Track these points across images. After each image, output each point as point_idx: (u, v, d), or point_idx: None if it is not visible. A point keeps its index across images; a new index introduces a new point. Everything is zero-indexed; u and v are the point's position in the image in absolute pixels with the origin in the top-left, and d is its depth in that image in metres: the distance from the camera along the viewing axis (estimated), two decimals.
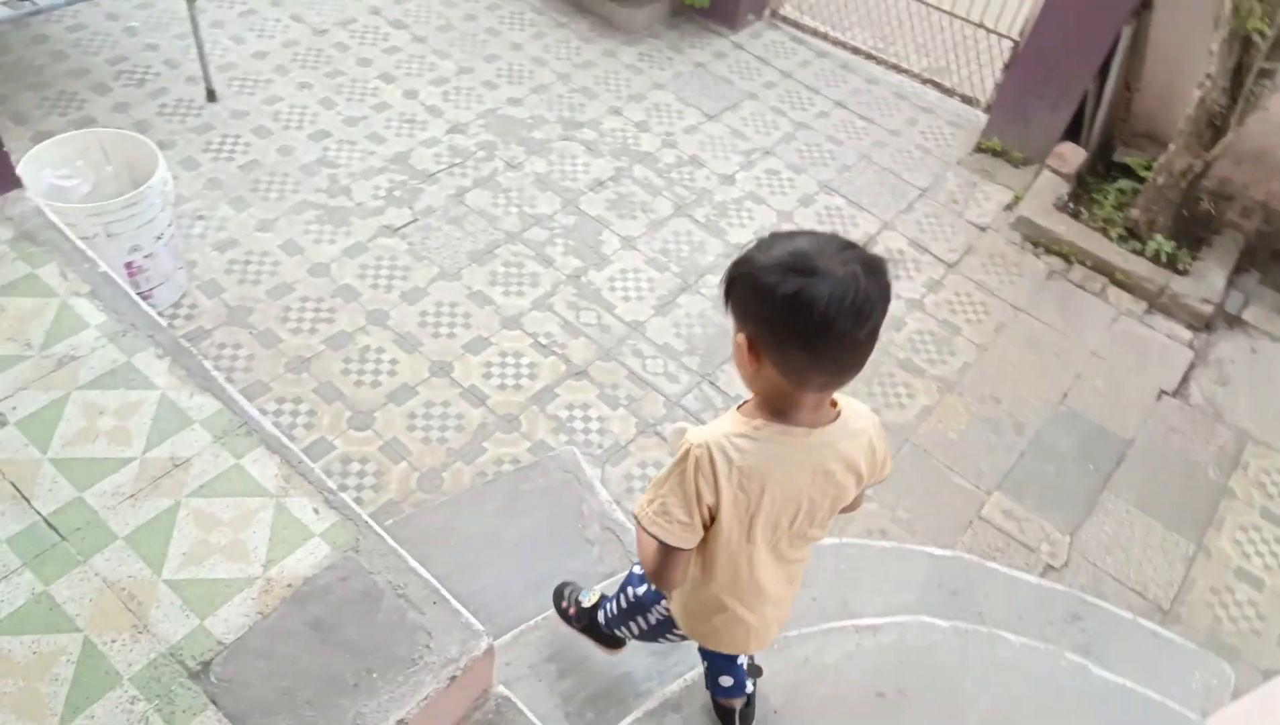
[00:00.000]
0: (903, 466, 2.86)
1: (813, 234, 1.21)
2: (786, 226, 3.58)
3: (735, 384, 2.94)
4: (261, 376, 2.81)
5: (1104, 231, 3.65)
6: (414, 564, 1.73)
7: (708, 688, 1.86)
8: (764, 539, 1.38)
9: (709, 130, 3.97)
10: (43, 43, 3.76)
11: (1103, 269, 3.57)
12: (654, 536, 1.32)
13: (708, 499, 1.29)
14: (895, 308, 3.30)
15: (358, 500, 2.52)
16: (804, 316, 1.15)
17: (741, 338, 1.24)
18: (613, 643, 1.98)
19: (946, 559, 2.49)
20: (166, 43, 3.85)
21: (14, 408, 1.81)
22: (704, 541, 1.36)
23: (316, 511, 1.75)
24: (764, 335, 1.21)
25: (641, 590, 1.74)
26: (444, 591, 1.70)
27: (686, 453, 1.28)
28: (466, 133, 3.73)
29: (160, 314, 2.92)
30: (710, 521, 1.33)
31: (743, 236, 3.51)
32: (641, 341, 3.09)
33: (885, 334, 3.13)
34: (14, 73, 3.62)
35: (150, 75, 3.71)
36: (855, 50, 4.48)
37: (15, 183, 2.22)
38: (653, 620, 1.72)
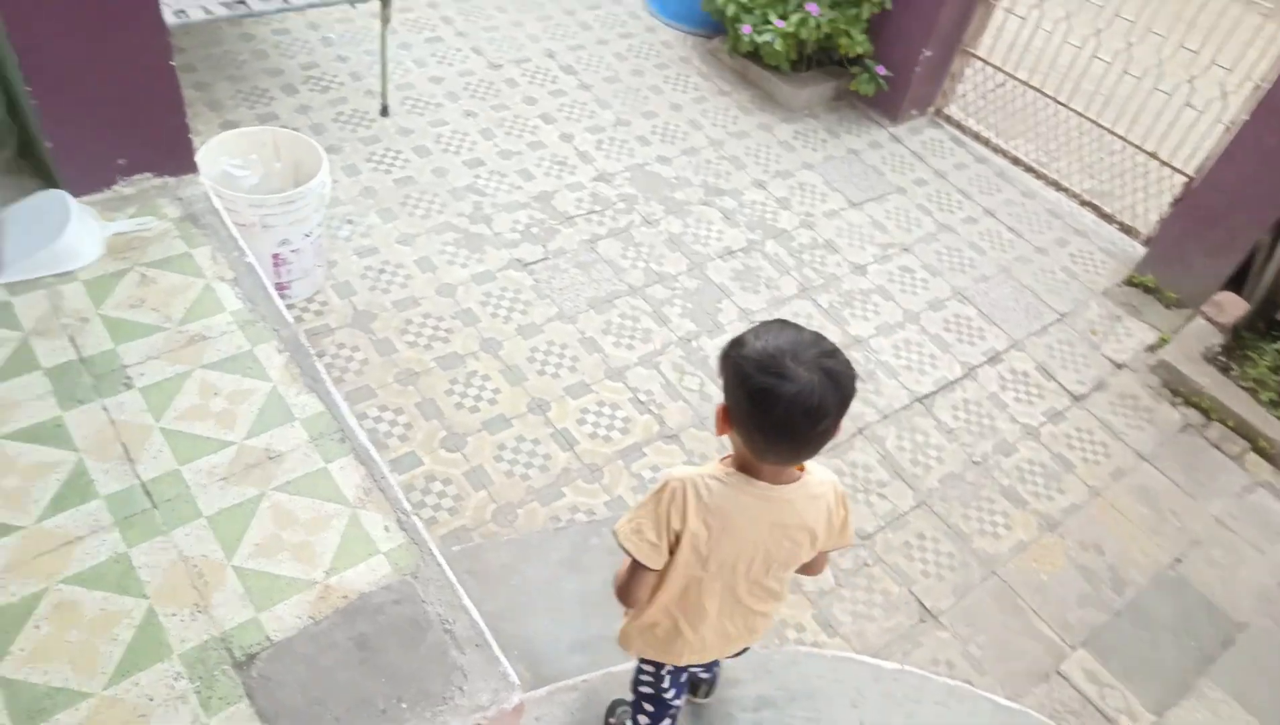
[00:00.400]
0: (983, 599, 2.72)
1: (798, 331, 1.40)
2: (911, 328, 3.51)
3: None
4: (371, 382, 2.93)
5: (1254, 392, 3.40)
6: (467, 602, 1.75)
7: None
8: (719, 573, 1.57)
9: (850, 217, 3.94)
10: (249, 41, 4.10)
11: (1245, 432, 3.33)
12: (627, 552, 1.53)
13: (675, 526, 1.50)
14: (1008, 432, 3.18)
15: (432, 520, 2.59)
16: (765, 411, 1.36)
17: (720, 407, 1.46)
18: None
19: (1012, 713, 2.34)
20: (355, 56, 4.13)
21: (142, 374, 1.96)
22: (665, 567, 1.56)
23: (387, 529, 1.81)
24: (735, 412, 1.43)
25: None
26: (489, 635, 1.72)
27: (665, 485, 1.50)
28: (611, 183, 3.83)
29: (293, 306, 3.12)
30: (674, 548, 1.53)
31: (863, 329, 3.45)
32: None
33: (991, 457, 2.99)
34: (219, 64, 3.96)
35: (334, 84, 3.98)
36: (1016, 160, 4.37)
37: (192, 168, 2.41)
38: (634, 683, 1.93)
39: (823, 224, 3.88)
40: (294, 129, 3.73)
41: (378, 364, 3.00)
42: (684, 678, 1.92)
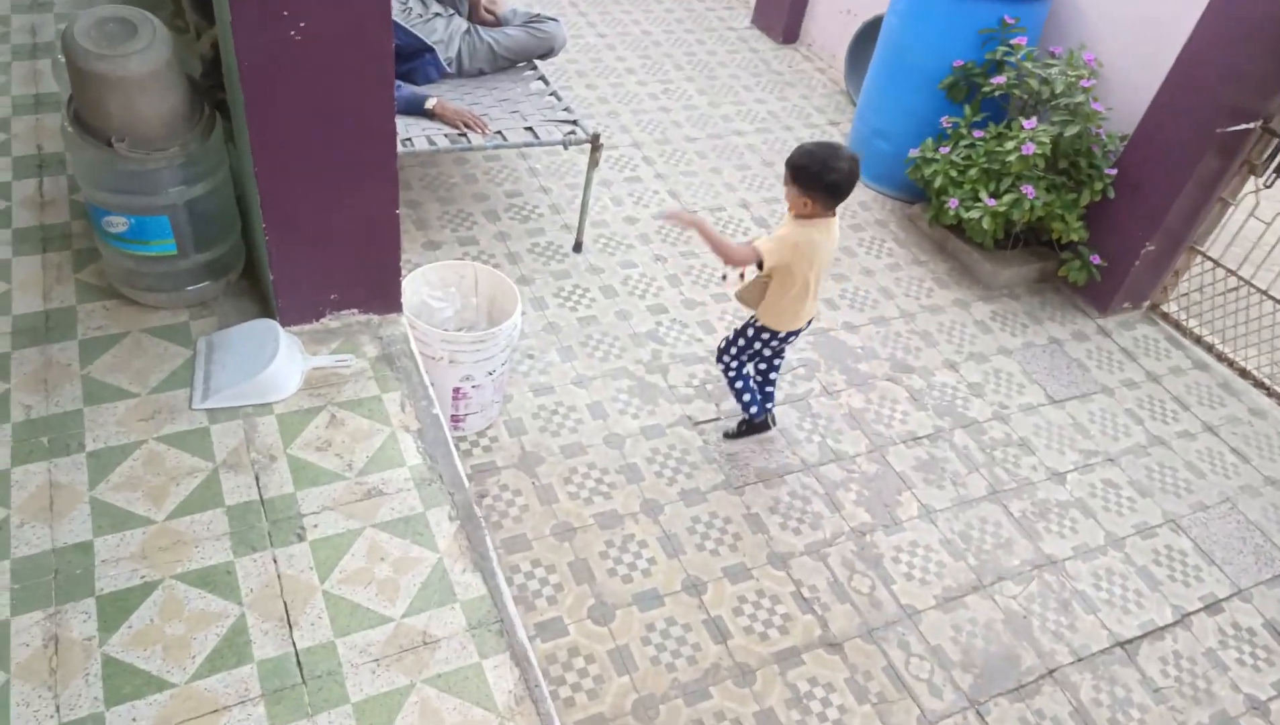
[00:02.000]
0: None
1: (833, 145, 2.70)
2: (1114, 555, 3.13)
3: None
4: (528, 531, 2.84)
5: None
6: None
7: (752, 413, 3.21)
8: (814, 273, 2.82)
9: (1049, 415, 3.63)
10: (462, 165, 4.28)
11: None
12: (763, 257, 2.72)
13: (787, 258, 2.76)
14: (1229, 703, 2.71)
15: (570, 701, 2.42)
16: (837, 185, 2.67)
17: (806, 197, 2.69)
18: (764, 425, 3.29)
19: None
20: (558, 190, 4.23)
21: (316, 525, 1.92)
22: (793, 274, 2.79)
23: None
24: (817, 192, 2.67)
25: (746, 357, 3.14)
26: None
27: (786, 238, 2.75)
28: (794, 346, 3.68)
29: (464, 438, 3.10)
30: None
31: (1058, 548, 3.11)
32: (912, 633, 2.77)
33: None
34: (432, 186, 4.13)
35: (535, 215, 4.07)
36: (1244, 372, 3.95)
37: (397, 307, 2.44)
38: (749, 345, 3.07)
39: (1018, 419, 3.59)
40: (490, 255, 3.82)
41: (537, 512, 2.91)
42: (786, 348, 3.17)
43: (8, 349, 2.14)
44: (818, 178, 2.62)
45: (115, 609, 1.71)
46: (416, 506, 2.00)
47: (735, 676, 2.58)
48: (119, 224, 2.08)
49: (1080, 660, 2.80)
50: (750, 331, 3.02)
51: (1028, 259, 4.19)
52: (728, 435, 3.26)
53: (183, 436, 2.03)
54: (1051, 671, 2.76)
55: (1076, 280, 4.05)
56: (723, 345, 3.13)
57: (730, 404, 3.36)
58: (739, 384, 3.15)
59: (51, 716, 1.56)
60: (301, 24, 1.82)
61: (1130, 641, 2.88)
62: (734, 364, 3.11)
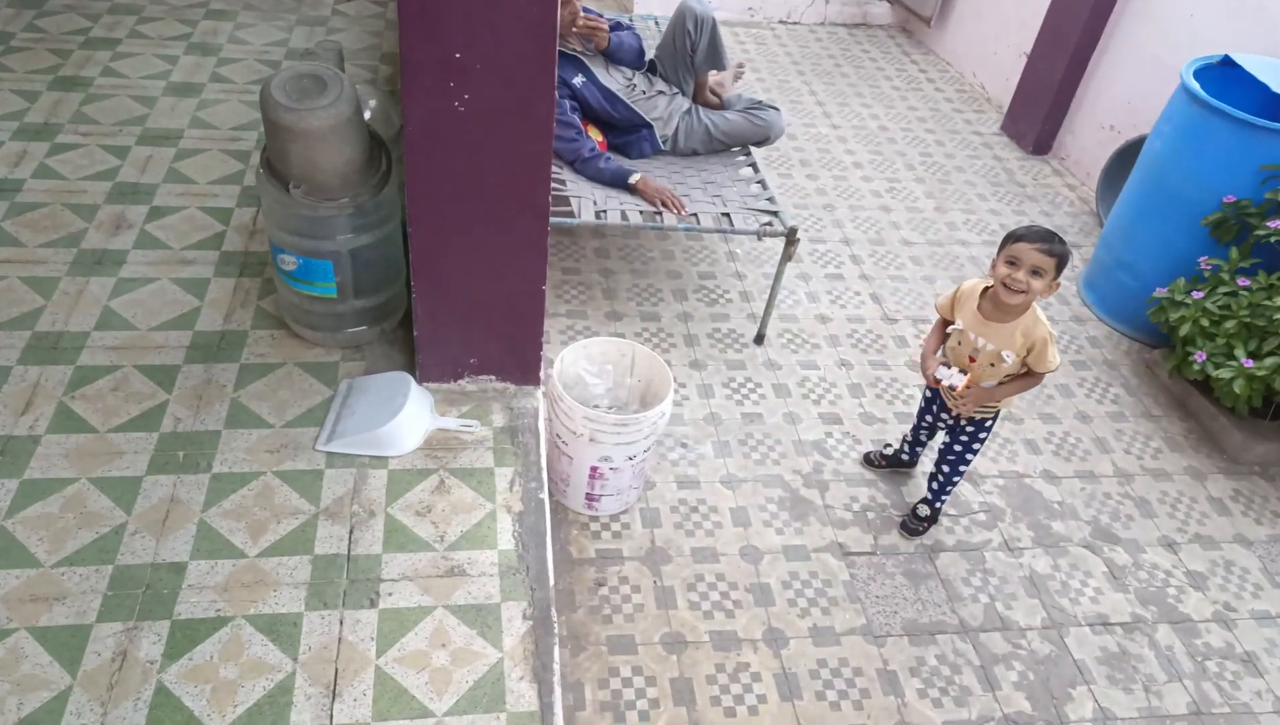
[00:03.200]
0: None
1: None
2: None
3: None
4: (636, 633, 2.66)
5: None
6: None
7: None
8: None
9: None
10: (664, 241, 4.26)
11: None
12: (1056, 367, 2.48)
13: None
14: None
15: None
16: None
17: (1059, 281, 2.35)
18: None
19: None
20: (753, 277, 4.09)
21: (390, 594, 1.87)
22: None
23: None
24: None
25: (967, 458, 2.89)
26: None
27: (1049, 332, 2.44)
28: (979, 487, 3.29)
29: (596, 518, 2.99)
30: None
31: None
32: None
33: None
34: (629, 256, 4.14)
35: (723, 300, 3.95)
36: None
37: (534, 380, 2.40)
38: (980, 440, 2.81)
39: (1247, 628, 2.96)
40: (669, 335, 3.74)
41: (652, 615, 2.73)
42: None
43: (180, 362, 2.30)
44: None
45: (184, 637, 1.74)
46: (494, 595, 1.90)
47: None
48: (289, 262, 2.19)
49: None
50: (991, 424, 2.77)
51: None
52: (908, 530, 3.00)
53: (298, 475, 2.06)
54: None
55: None
56: (948, 470, 2.88)
57: (888, 539, 3.03)
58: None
59: None
60: (466, 95, 1.83)
61: None
62: (961, 470, 2.89)
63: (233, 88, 3.57)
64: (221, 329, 2.41)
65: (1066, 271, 4.41)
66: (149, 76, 3.62)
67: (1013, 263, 2.25)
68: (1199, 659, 2.84)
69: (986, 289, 2.43)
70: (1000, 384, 2.56)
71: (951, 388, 2.35)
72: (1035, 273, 2.24)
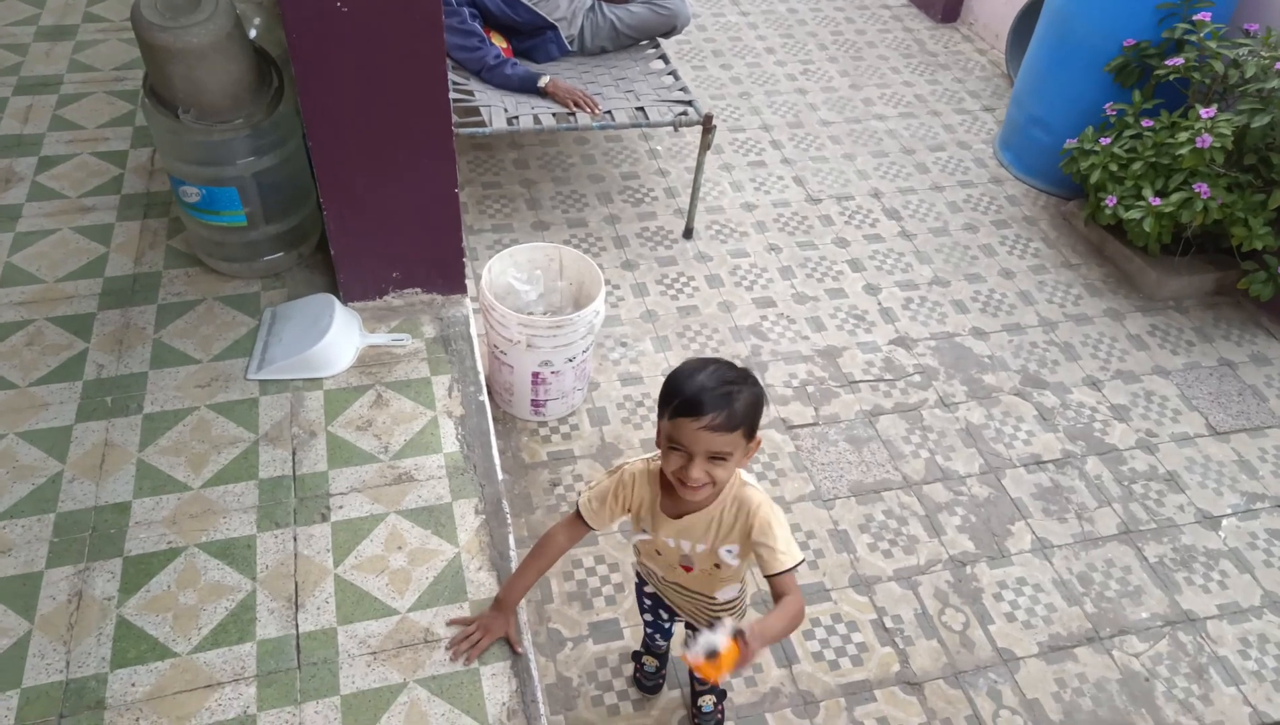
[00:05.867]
0: None
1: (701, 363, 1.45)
2: (1272, 620, 2.68)
3: None
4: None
5: None
6: None
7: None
8: None
9: (1208, 448, 3.15)
10: (583, 145, 4.21)
11: None
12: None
13: None
14: None
15: (614, 709, 2.30)
16: None
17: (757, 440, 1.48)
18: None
19: None
20: (676, 174, 4.07)
21: (341, 507, 1.88)
22: None
23: None
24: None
25: None
26: None
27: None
28: (911, 350, 3.39)
29: (545, 423, 3.03)
30: None
31: (1200, 604, 2.69)
32: (1006, 683, 2.46)
33: None
34: (549, 164, 4.09)
35: (648, 199, 3.94)
36: None
37: (460, 288, 2.38)
38: None
39: (1168, 450, 3.13)
40: (598, 238, 3.73)
41: None
42: None
43: (94, 310, 2.24)
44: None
45: (138, 572, 1.74)
46: (444, 496, 1.93)
47: (796, 705, 2.38)
48: (192, 194, 2.12)
49: None
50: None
51: (1201, 267, 3.66)
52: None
53: (233, 406, 2.05)
54: None
55: (1260, 294, 3.50)
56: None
57: (829, 409, 3.13)
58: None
59: (61, 671, 1.60)
60: None
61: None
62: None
63: (109, 26, 3.39)
64: (133, 272, 2.34)
65: (979, 134, 4.48)
66: (16, 23, 3.42)
67: (677, 448, 1.42)
68: (1125, 483, 3.00)
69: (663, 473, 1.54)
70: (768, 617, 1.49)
71: (712, 656, 1.30)
72: (716, 459, 1.41)
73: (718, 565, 1.62)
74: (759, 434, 1.48)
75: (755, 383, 1.46)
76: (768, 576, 1.53)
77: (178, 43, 1.84)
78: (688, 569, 1.65)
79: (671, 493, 1.53)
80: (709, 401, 1.37)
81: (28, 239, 2.41)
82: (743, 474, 1.59)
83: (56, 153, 2.73)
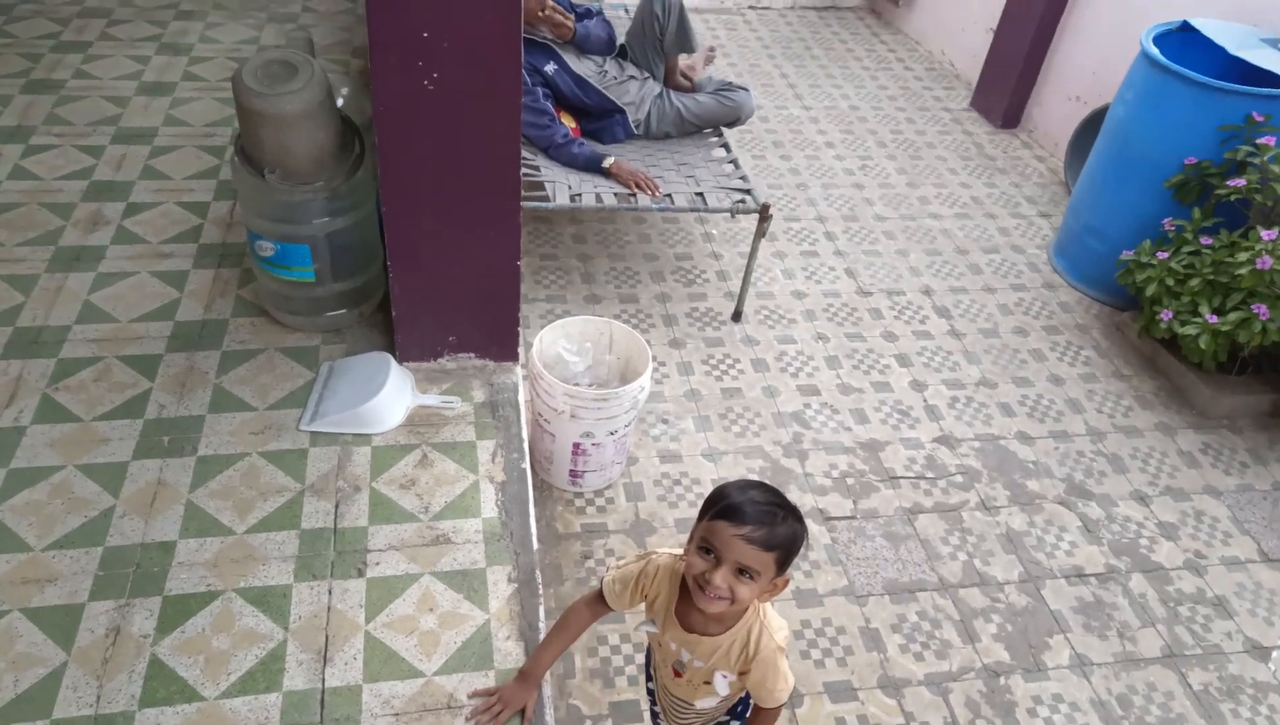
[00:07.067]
0: None
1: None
2: None
3: None
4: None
5: None
6: None
7: None
8: None
9: (1260, 576, 3.05)
10: (641, 225, 4.31)
11: None
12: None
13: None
14: None
15: None
16: None
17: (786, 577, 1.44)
18: None
19: None
20: (729, 257, 4.15)
21: (378, 563, 1.91)
22: None
23: None
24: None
25: None
26: None
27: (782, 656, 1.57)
28: (955, 450, 3.36)
29: (581, 495, 3.04)
30: None
31: None
32: None
33: None
34: (606, 241, 4.19)
35: (700, 280, 4.01)
36: None
37: (513, 357, 2.44)
38: None
39: (1217, 574, 3.04)
40: (648, 315, 3.79)
41: None
42: None
43: (161, 351, 2.33)
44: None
45: (176, 612, 1.78)
46: (479, 561, 1.95)
47: None
48: (267, 249, 2.23)
49: None
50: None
51: (1258, 388, 3.60)
52: None
53: (283, 455, 2.10)
54: None
55: None
56: None
57: (868, 503, 3.10)
58: None
59: (91, 705, 1.63)
60: (435, 74, 1.87)
61: None
62: None
63: (205, 85, 3.59)
64: (202, 318, 2.44)
65: (1034, 239, 4.50)
66: (120, 77, 3.64)
67: (708, 551, 1.39)
68: (1171, 605, 2.91)
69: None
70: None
71: None
72: (743, 573, 1.37)
73: (707, 683, 1.61)
74: (788, 574, 1.45)
75: (802, 521, 1.46)
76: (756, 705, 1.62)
77: (273, 109, 1.96)
78: (677, 674, 1.65)
79: (688, 600, 1.50)
80: (753, 513, 1.38)
81: (108, 280, 2.53)
82: (771, 617, 1.56)
83: (144, 200, 2.88)
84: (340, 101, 2.31)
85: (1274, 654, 2.81)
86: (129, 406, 2.15)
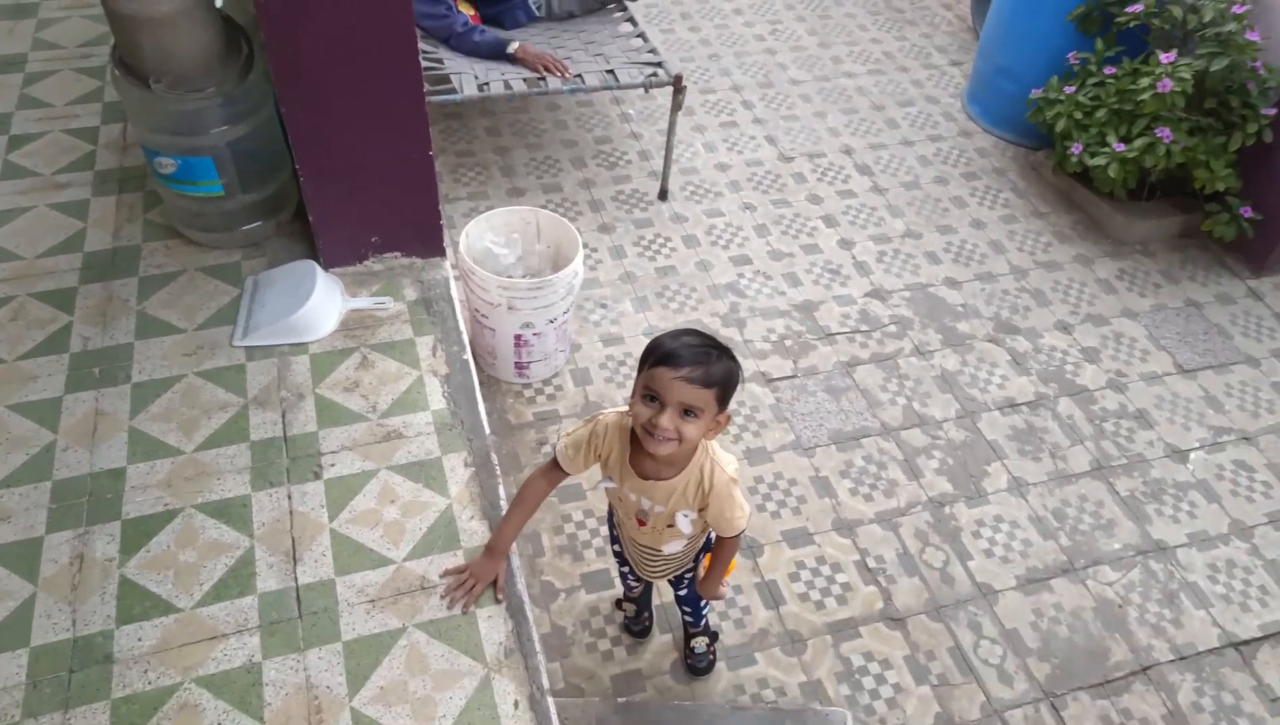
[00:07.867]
0: None
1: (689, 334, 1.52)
2: (1239, 546, 2.78)
3: None
4: (582, 481, 2.78)
5: None
6: None
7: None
8: None
9: (1175, 386, 3.24)
10: (554, 111, 4.21)
11: None
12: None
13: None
14: None
15: (608, 654, 2.37)
16: None
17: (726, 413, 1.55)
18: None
19: None
20: (649, 136, 4.10)
21: (333, 464, 1.92)
22: None
23: (516, 705, 1.60)
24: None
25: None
26: None
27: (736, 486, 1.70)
28: (886, 302, 3.45)
29: (529, 385, 3.07)
30: None
31: (1170, 534, 2.78)
32: (986, 615, 2.55)
33: None
34: (522, 130, 4.09)
35: (622, 161, 3.96)
36: None
37: (439, 251, 2.41)
38: None
39: (1138, 389, 3.22)
40: (573, 203, 3.76)
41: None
42: None
43: (75, 284, 2.25)
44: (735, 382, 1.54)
45: (137, 533, 1.77)
46: (434, 451, 1.97)
47: (784, 644, 2.45)
48: (167, 165, 2.13)
49: (1182, 659, 2.50)
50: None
51: (1167, 211, 3.74)
52: (695, 671, 2.32)
53: (220, 372, 2.07)
54: (1146, 669, 2.48)
55: (1223, 235, 3.59)
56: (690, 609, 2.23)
57: (807, 361, 3.18)
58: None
59: (67, 629, 1.63)
60: None
61: (1247, 643, 2.55)
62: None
63: (71, 4, 3.35)
64: (112, 246, 2.35)
65: (947, 88, 4.52)
66: None
67: (652, 398, 1.47)
68: (1097, 422, 3.09)
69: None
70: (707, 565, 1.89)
71: None
72: (688, 413, 1.46)
73: (670, 526, 1.71)
74: (728, 411, 1.55)
75: (735, 360, 1.53)
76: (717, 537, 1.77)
77: (146, 10, 1.85)
78: (641, 523, 1.74)
79: (640, 451, 1.58)
80: (689, 355, 1.45)
81: (4, 217, 2.41)
82: (718, 452, 1.65)
83: (27, 131, 2.72)
84: (219, 2, 2.19)
85: (1191, 456, 3.02)
86: (52, 342, 2.09)
